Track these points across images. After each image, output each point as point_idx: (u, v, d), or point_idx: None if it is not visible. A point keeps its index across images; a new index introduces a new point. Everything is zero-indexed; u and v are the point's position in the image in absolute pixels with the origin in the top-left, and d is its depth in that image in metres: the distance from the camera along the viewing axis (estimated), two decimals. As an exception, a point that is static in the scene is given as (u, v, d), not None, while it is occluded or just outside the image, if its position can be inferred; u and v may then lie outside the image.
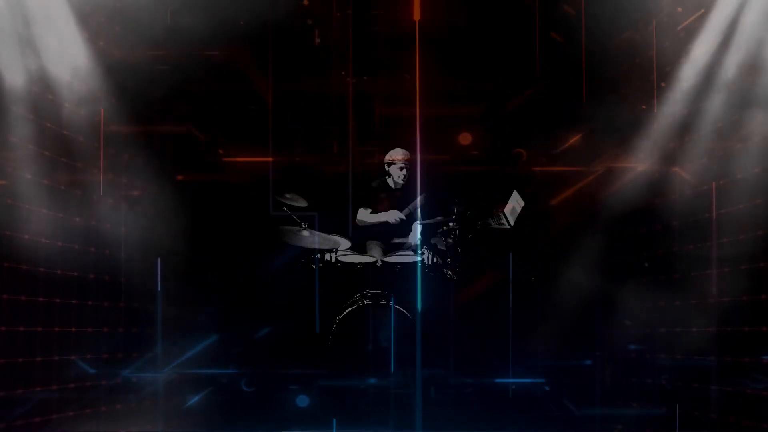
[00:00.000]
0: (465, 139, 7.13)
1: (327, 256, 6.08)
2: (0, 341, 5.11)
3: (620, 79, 6.66)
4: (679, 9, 6.12)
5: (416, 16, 6.55)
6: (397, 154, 6.45)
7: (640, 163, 6.47)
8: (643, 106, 6.50)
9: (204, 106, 6.99)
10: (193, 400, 6.28)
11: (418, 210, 6.44)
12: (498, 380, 6.20)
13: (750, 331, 5.37)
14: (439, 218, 6.23)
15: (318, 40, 7.03)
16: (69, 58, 5.83)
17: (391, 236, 6.48)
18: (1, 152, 5.23)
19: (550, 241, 6.89)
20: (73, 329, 5.86)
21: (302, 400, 6.03)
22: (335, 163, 7.13)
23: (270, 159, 6.87)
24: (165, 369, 6.29)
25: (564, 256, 6.71)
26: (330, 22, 6.99)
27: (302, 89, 7.09)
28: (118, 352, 6.23)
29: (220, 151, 7.08)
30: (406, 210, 6.40)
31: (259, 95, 7.02)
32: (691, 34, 5.99)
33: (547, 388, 6.16)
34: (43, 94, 5.64)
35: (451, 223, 6.14)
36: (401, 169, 6.43)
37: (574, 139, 7.01)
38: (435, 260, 6.15)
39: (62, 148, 5.87)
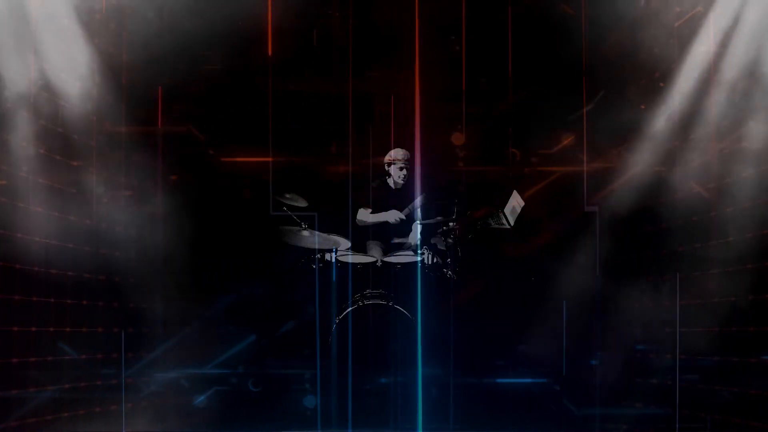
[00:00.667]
0: (458, 139, 7.10)
1: (327, 256, 6.04)
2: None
3: (620, 78, 6.66)
4: (677, 8, 6.13)
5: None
6: (397, 154, 6.42)
7: (642, 162, 6.46)
8: (643, 106, 6.51)
9: (203, 105, 6.96)
10: (198, 400, 6.21)
11: (418, 210, 6.40)
12: (498, 380, 6.15)
13: (755, 331, 5.34)
14: (439, 218, 6.20)
15: (316, 41, 7.01)
16: (67, 57, 5.80)
17: (391, 236, 6.44)
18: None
19: (551, 240, 6.85)
20: (68, 329, 5.79)
21: (302, 400, 5.97)
22: (335, 163, 7.10)
23: (270, 159, 6.83)
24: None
25: (566, 256, 6.68)
26: (330, 22, 6.98)
27: (302, 89, 7.06)
28: (113, 352, 6.15)
29: (211, 151, 7.04)
30: (406, 210, 6.36)
31: (258, 95, 6.99)
32: (691, 33, 6.00)
33: (557, 388, 6.10)
34: (41, 93, 5.61)
35: (451, 223, 6.10)
36: (401, 169, 6.40)
37: (569, 140, 7.00)
38: (435, 260, 6.10)
39: (58, 147, 5.84)
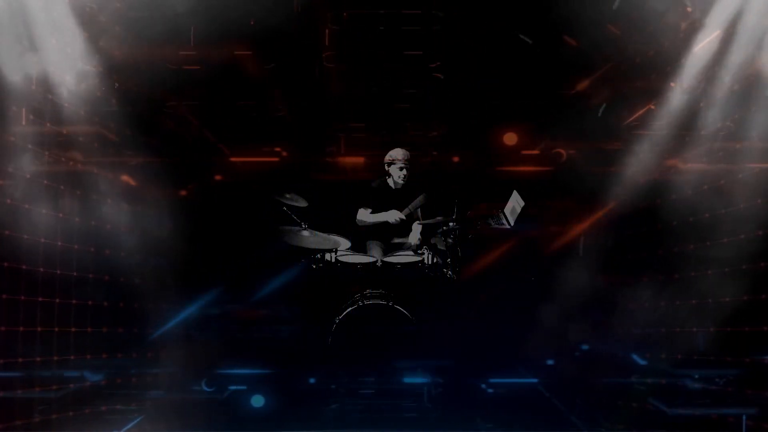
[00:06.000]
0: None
1: (327, 256, 6.04)
2: (-1, 341, 5.13)
3: (621, 78, 6.66)
4: (678, 8, 6.13)
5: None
6: (397, 154, 6.39)
7: (640, 163, 6.47)
8: (641, 107, 6.51)
9: (204, 106, 7.00)
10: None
11: (419, 210, 6.41)
12: (497, 380, 6.18)
13: (751, 332, 5.37)
14: (439, 218, 6.18)
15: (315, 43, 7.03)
16: (69, 58, 5.83)
17: (391, 236, 6.45)
18: (0, 152, 5.25)
19: (550, 241, 6.89)
20: (73, 329, 5.86)
21: (302, 400, 6.02)
22: (335, 164, 7.13)
23: (270, 159, 6.88)
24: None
25: (564, 256, 6.71)
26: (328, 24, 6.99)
27: (303, 90, 7.08)
28: (118, 352, 6.22)
29: (214, 152, 7.07)
30: (406, 210, 6.35)
31: (260, 95, 7.02)
32: (692, 33, 6.00)
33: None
34: (44, 94, 5.65)
35: (451, 223, 6.11)
36: (401, 169, 6.38)
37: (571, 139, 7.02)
38: (435, 260, 6.11)
39: (62, 148, 5.88)
